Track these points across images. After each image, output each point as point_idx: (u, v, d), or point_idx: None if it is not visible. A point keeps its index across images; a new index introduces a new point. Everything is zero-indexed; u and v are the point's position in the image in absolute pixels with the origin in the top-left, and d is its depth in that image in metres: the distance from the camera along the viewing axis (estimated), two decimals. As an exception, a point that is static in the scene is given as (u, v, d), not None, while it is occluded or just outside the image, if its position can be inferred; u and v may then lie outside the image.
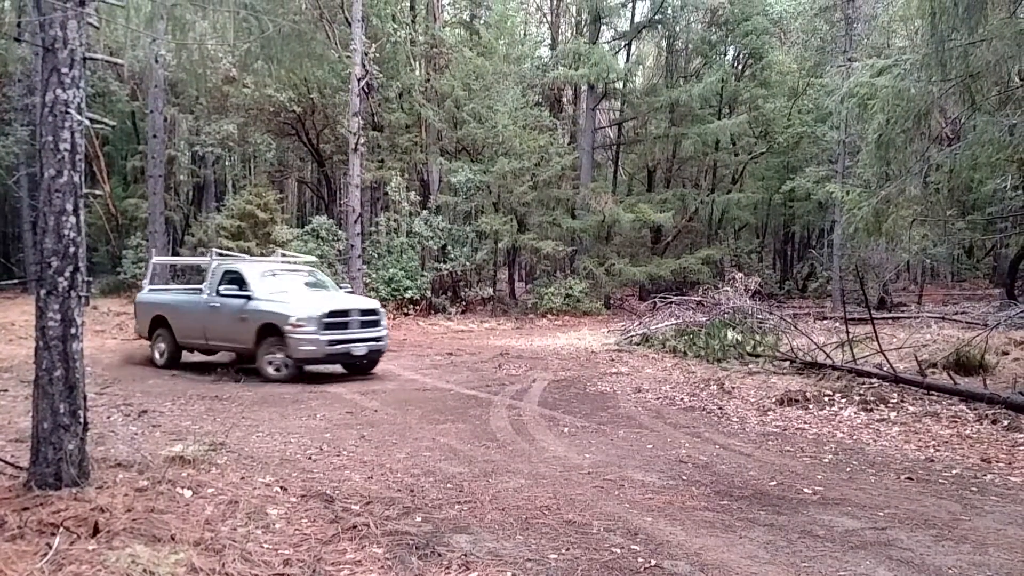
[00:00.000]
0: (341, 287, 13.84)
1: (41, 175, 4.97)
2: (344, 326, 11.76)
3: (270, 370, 11.58)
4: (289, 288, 12.51)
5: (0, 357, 13.14)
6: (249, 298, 11.94)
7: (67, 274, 4.96)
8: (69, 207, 4.95)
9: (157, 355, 13.30)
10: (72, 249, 4.98)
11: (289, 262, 14.97)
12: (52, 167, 4.91)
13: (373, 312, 12.35)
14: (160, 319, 13.23)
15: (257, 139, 27.99)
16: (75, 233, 4.99)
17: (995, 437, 7.62)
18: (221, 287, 12.35)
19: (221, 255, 13.80)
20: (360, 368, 12.42)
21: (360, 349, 11.86)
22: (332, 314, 11.59)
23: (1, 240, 33.20)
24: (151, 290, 14.36)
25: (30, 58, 22.89)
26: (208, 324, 12.47)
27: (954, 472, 6.50)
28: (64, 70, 4.91)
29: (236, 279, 12.38)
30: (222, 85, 25.31)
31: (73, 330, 5.00)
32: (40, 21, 4.95)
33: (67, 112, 4.91)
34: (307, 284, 13.07)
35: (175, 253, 26.73)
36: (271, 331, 11.60)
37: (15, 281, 26.39)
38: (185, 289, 14.74)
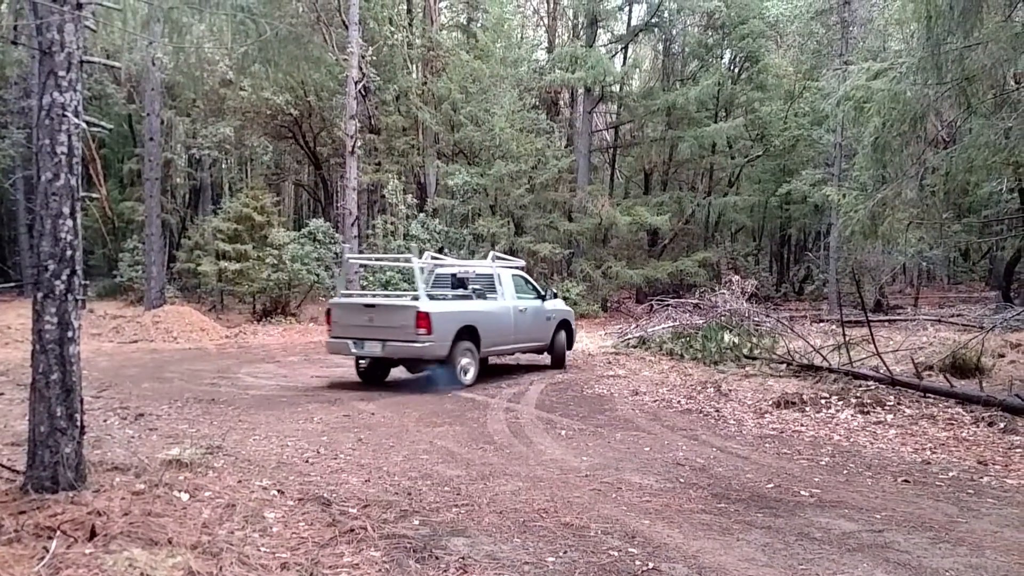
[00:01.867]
0: None
1: (38, 178, 4.96)
2: None
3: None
4: None
5: (-4, 360, 13.12)
6: (544, 298, 13.56)
7: (64, 277, 4.95)
8: (66, 210, 4.94)
9: (465, 374, 11.40)
10: (69, 252, 4.97)
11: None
12: (49, 170, 4.90)
13: None
14: (466, 330, 11.45)
15: (254, 142, 27.98)
16: (72, 236, 4.98)
17: (991, 439, 7.64)
18: (518, 292, 13.07)
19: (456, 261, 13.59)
20: None
21: None
22: None
23: (-3, 243, 33.14)
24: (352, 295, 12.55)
25: (27, 61, 22.82)
26: (517, 328, 12.72)
27: (951, 474, 6.51)
28: (61, 73, 4.91)
29: (525, 283, 13.61)
30: (219, 88, 25.29)
31: (70, 333, 4.99)
32: (37, 24, 4.94)
33: (64, 115, 4.91)
34: None
35: (171, 258, 26.69)
36: (563, 327, 13.87)
37: (11, 284, 26.33)
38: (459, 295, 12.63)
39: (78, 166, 5.05)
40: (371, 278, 23.49)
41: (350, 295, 11.96)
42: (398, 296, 12.44)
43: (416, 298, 11.08)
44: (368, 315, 11.15)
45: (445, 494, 5.77)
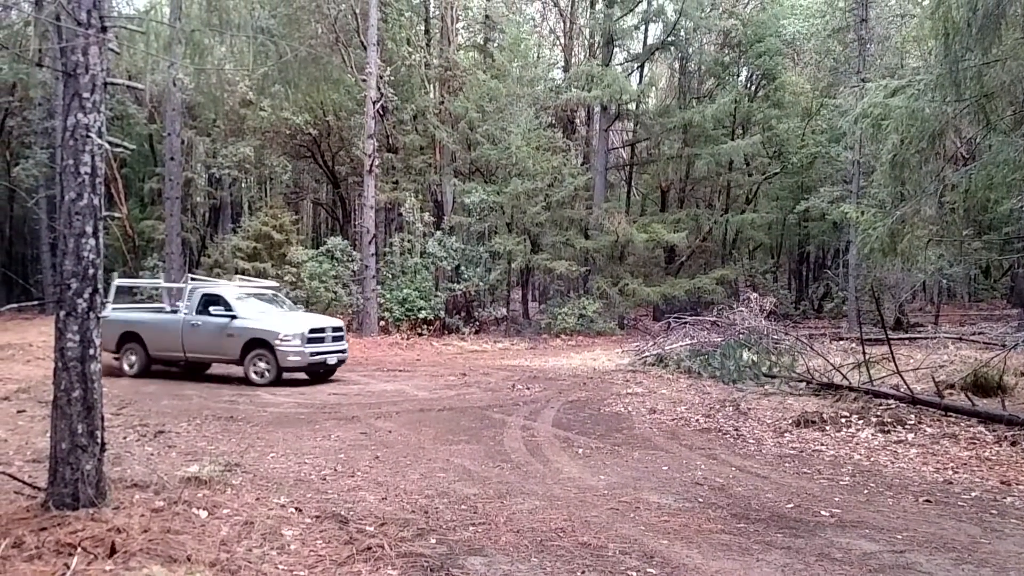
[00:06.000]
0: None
1: (61, 198, 5.04)
2: None
3: None
4: None
5: (18, 378, 13.24)
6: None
7: (86, 296, 5.01)
8: (89, 229, 5.02)
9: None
10: (91, 271, 5.04)
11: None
12: (72, 190, 4.98)
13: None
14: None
15: (273, 161, 28.25)
16: (94, 255, 5.05)
17: (1015, 459, 7.53)
18: None
19: None
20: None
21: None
22: None
23: (20, 261, 33.57)
24: None
25: (51, 83, 23.25)
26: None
27: (973, 495, 6.42)
28: (85, 95, 5.00)
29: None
30: (239, 108, 25.61)
31: (91, 351, 5.05)
32: (62, 47, 5.04)
33: (88, 136, 4.99)
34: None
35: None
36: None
37: (34, 302, 26.64)
38: None
39: (101, 186, 5.12)
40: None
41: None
42: None
43: None
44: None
45: (462, 512, 5.76)
